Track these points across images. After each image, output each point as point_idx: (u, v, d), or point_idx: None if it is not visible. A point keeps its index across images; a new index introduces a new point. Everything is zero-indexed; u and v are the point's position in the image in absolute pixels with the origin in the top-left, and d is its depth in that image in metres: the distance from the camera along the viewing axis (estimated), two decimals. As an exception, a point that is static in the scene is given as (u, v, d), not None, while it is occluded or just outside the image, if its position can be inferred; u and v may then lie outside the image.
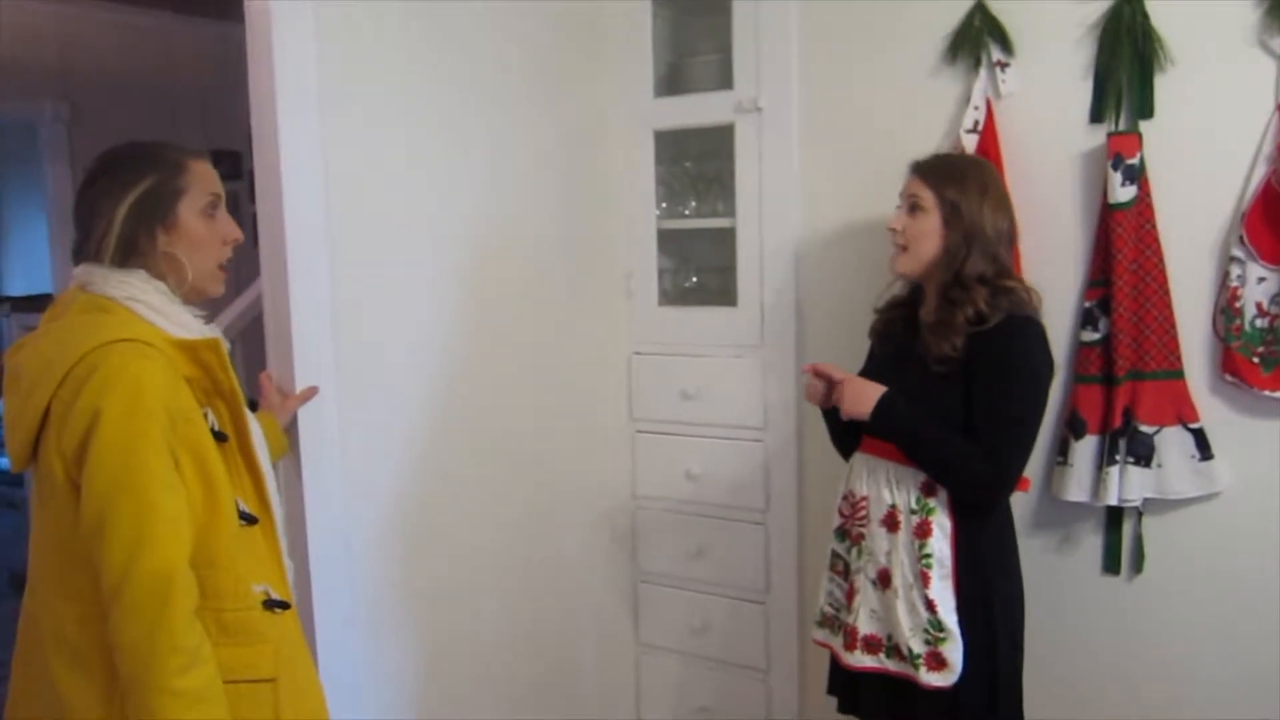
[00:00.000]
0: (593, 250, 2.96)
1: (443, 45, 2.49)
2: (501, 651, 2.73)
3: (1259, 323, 2.20)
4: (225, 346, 1.67)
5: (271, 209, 2.18)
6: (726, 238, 2.87)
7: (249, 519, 1.65)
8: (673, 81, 2.98)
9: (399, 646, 2.45)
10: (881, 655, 2.13)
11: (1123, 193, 2.24)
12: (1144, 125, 2.29)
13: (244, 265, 2.88)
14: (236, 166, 5.27)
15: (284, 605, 1.67)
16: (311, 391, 2.20)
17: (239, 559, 1.61)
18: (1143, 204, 2.26)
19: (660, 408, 3.00)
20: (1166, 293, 2.27)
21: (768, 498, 2.87)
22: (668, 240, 3.02)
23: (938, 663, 2.04)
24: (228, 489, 1.60)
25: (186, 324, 1.64)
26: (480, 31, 2.58)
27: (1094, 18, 2.32)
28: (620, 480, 3.08)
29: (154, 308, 1.61)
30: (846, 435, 2.28)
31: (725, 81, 2.80)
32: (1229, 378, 2.24)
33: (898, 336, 2.24)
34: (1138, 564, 2.36)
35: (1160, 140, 2.26)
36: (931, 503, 2.08)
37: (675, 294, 3.07)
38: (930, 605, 2.05)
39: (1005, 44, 2.42)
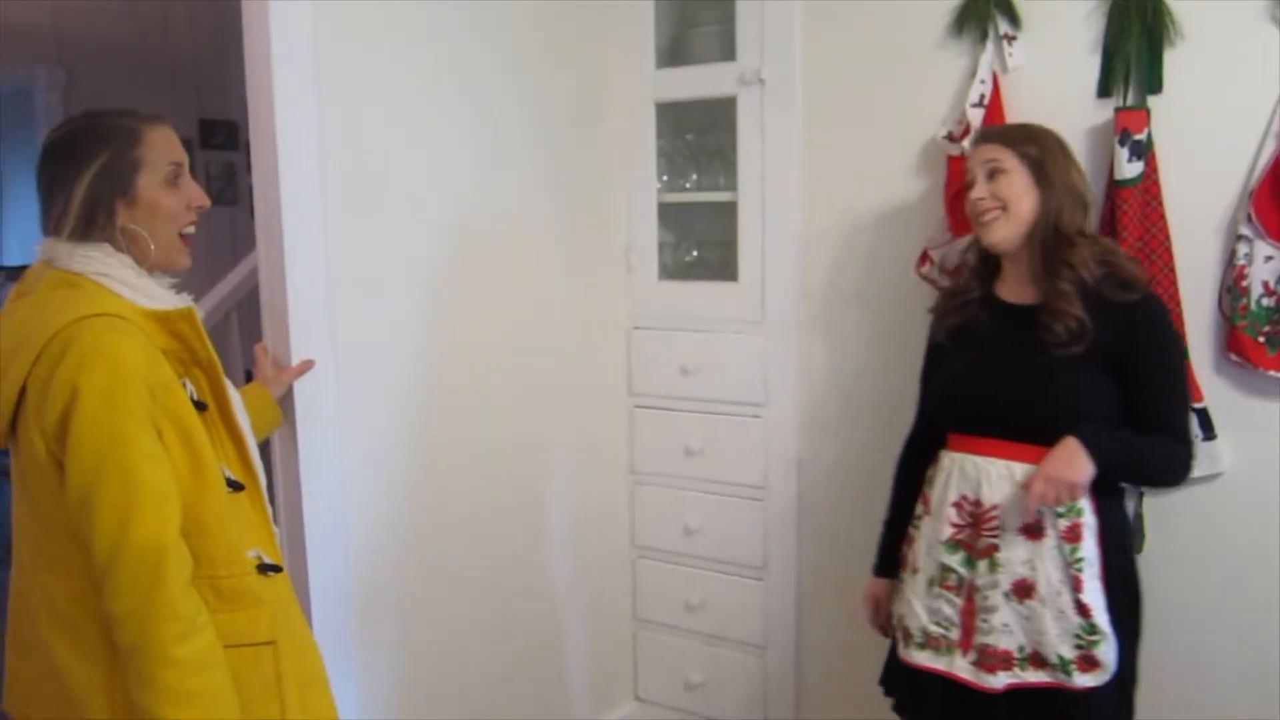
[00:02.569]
0: (593, 223, 2.93)
1: (443, 13, 2.45)
2: (497, 626, 2.72)
3: (1265, 301, 2.18)
4: (199, 315, 1.66)
5: (267, 179, 2.15)
6: (728, 212, 2.85)
7: (235, 485, 1.65)
8: (675, 52, 2.95)
9: (394, 618, 2.44)
10: (1016, 669, 1.97)
11: (1129, 169, 2.22)
12: (1152, 101, 2.26)
13: (241, 236, 2.86)
14: (233, 136, 5.24)
15: (276, 569, 1.67)
16: (307, 365, 2.18)
17: (229, 526, 1.60)
18: (1149, 180, 2.24)
19: (659, 383, 2.99)
20: (1172, 270, 2.25)
21: (766, 473, 2.85)
22: (668, 214, 3.00)
23: (1090, 664, 1.93)
24: (213, 457, 1.60)
25: (157, 295, 1.62)
26: (481, 3, 2.54)
27: (1103, -9, 2.29)
28: (618, 455, 3.07)
29: (123, 281, 1.59)
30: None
31: (728, 53, 2.77)
32: (1234, 357, 2.22)
33: (985, 326, 2.10)
34: (1138, 544, 2.35)
35: (1168, 116, 2.23)
36: (1078, 504, 1.94)
37: (675, 268, 3.05)
38: (1084, 610, 1.92)
39: (1013, 17, 2.39)
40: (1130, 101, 2.28)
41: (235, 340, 3.68)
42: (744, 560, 2.92)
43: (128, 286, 1.59)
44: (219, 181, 5.34)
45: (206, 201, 1.71)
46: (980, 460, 2.00)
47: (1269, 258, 2.16)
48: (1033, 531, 1.95)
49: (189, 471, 1.56)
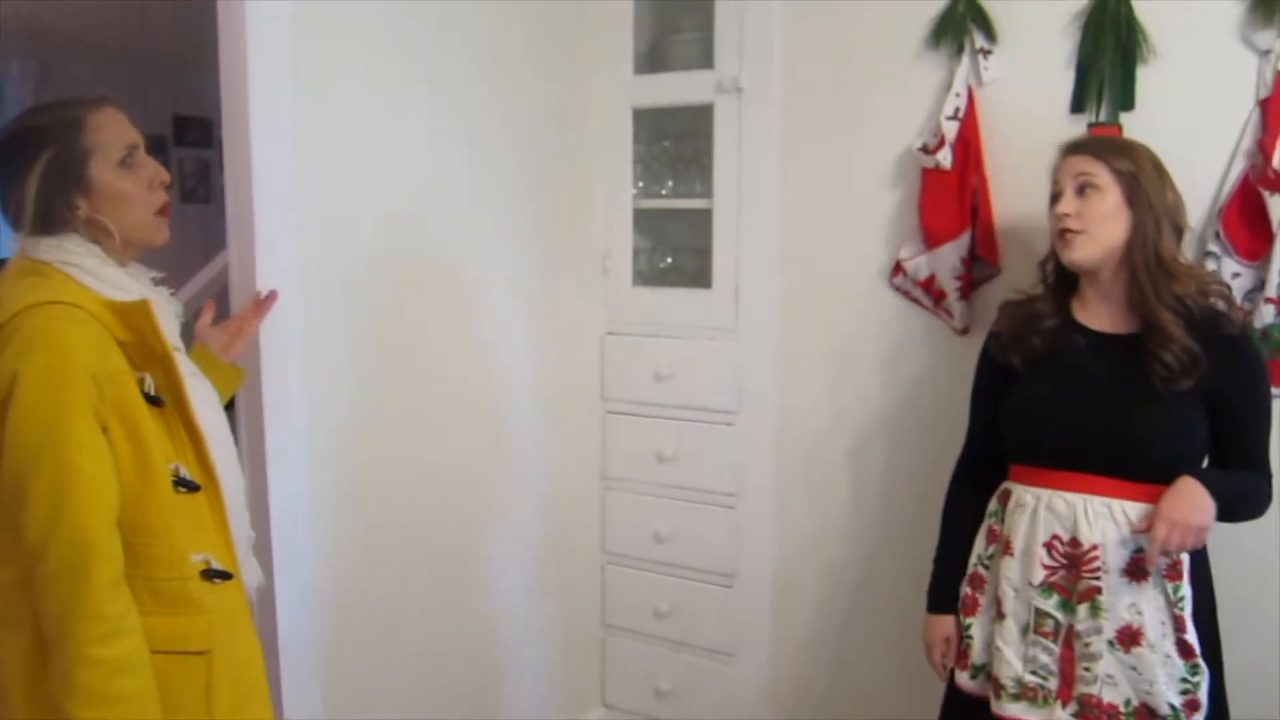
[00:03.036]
0: (568, 228, 2.93)
1: (421, 15, 2.44)
2: (465, 630, 2.71)
3: (1232, 317, 2.20)
4: (174, 310, 1.64)
5: (239, 178, 2.13)
6: (703, 219, 2.85)
7: (190, 485, 1.61)
8: (653, 59, 2.95)
9: (359, 623, 2.42)
10: None
11: (1102, 184, 2.23)
12: (1125, 117, 2.28)
13: (213, 234, 2.83)
14: (207, 134, 5.20)
15: (225, 576, 1.63)
16: (268, 300, 2.10)
17: (175, 527, 1.57)
18: (1121, 196, 2.25)
19: (632, 389, 2.98)
20: (1142, 286, 2.26)
21: (738, 481, 2.86)
22: (644, 220, 3.00)
23: (1194, 708, 1.85)
24: (161, 455, 1.56)
25: (122, 285, 1.60)
26: (459, 5, 2.53)
27: (1078, 7, 2.31)
28: (590, 460, 3.06)
29: (88, 270, 1.58)
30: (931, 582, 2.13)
31: (706, 60, 2.77)
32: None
33: (1074, 353, 1.98)
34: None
35: (1140, 132, 2.23)
36: None
37: (650, 274, 3.05)
38: (1188, 650, 1.84)
39: (989, 31, 2.40)
40: (1103, 117, 2.29)
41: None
42: (714, 567, 2.92)
43: (92, 276, 1.58)
44: (192, 179, 5.30)
45: (166, 176, 1.68)
46: (1073, 497, 1.89)
47: (1236, 274, 2.18)
48: (1136, 573, 1.85)
49: (133, 468, 1.53)
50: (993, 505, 2.07)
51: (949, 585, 2.12)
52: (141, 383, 1.57)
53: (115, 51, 4.88)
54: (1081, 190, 1.93)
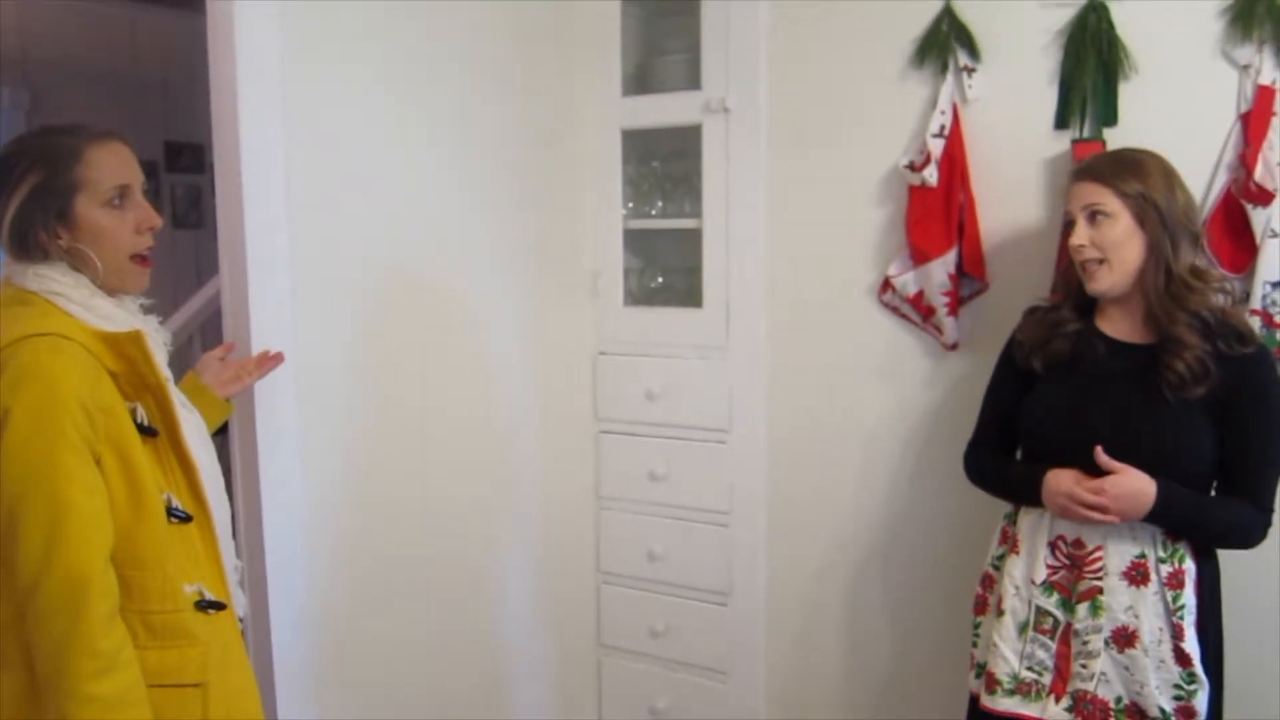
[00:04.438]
0: (559, 249, 2.94)
1: (410, 38, 2.46)
2: (460, 650, 2.71)
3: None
4: (163, 339, 1.63)
5: (230, 203, 2.14)
6: (693, 238, 2.86)
7: (182, 517, 1.60)
8: (641, 80, 2.97)
9: (354, 644, 2.42)
10: None
11: (1086, 199, 2.25)
12: (1108, 133, 2.30)
13: (205, 259, 2.85)
14: (199, 159, 5.21)
15: (218, 606, 1.63)
16: (274, 360, 2.10)
17: (168, 558, 1.56)
18: (1106, 211, 2.27)
19: (625, 408, 2.99)
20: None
21: (731, 499, 2.86)
22: (634, 240, 3.01)
23: (1188, 715, 1.89)
24: (154, 486, 1.56)
25: (110, 315, 1.59)
26: (448, 27, 2.55)
27: (1060, 25, 2.33)
28: (583, 480, 3.06)
29: (75, 300, 1.56)
30: (1025, 490, 2.04)
31: (694, 81, 2.80)
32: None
33: (1094, 360, 2.02)
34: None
35: (1124, 146, 2.27)
36: (1180, 548, 1.91)
37: (641, 294, 3.06)
38: (1184, 659, 1.88)
39: (972, 49, 2.43)
40: (1086, 133, 2.32)
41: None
42: (708, 586, 2.92)
43: (80, 306, 1.56)
44: (184, 204, 5.30)
45: (158, 221, 1.67)
46: None
47: (1229, 293, 2.19)
48: (1136, 577, 1.91)
49: (126, 499, 1.52)
50: (1008, 508, 2.12)
51: (1026, 466, 2.07)
52: (133, 413, 1.56)
53: (107, 78, 4.89)
54: (1092, 219, 1.96)
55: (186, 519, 1.61)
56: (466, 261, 2.66)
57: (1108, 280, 1.97)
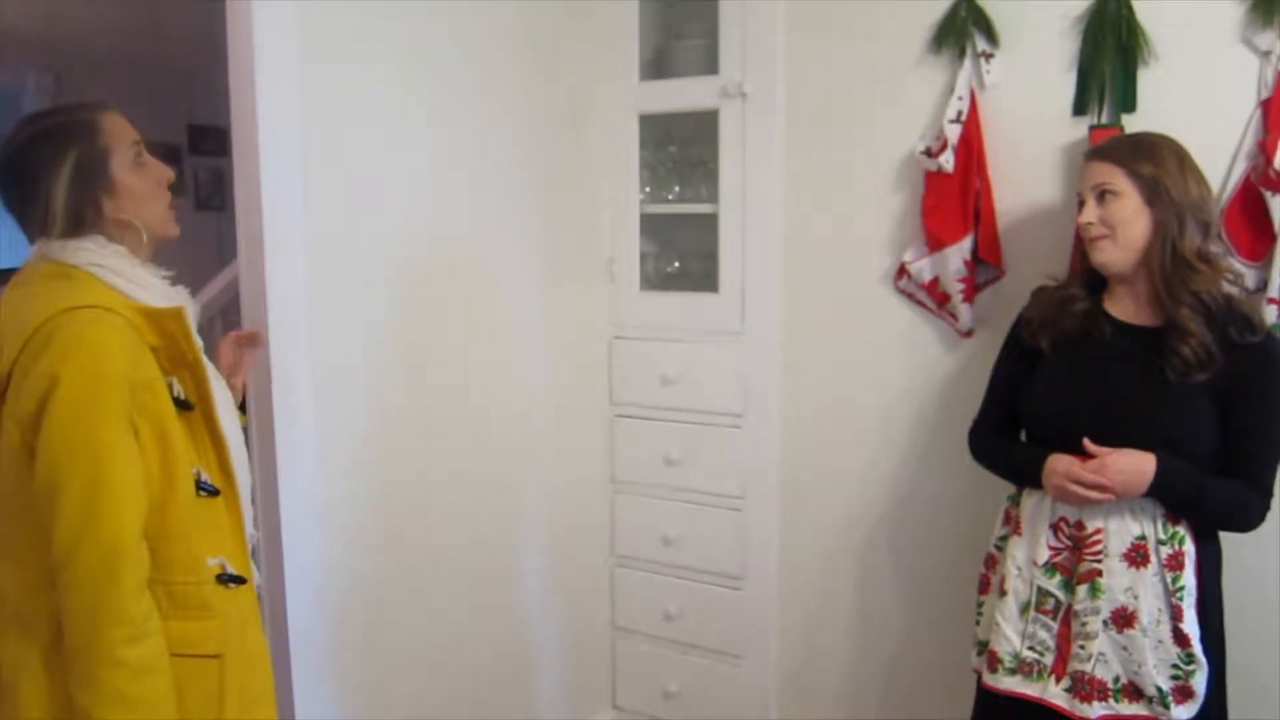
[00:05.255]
0: (576, 233, 2.95)
1: (428, 23, 2.47)
2: (475, 632, 2.73)
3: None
4: (192, 313, 1.64)
5: (249, 186, 2.16)
6: (709, 223, 2.87)
7: (211, 490, 1.62)
8: (659, 65, 2.97)
9: (368, 623, 2.45)
10: (1111, 700, 1.94)
11: (1104, 186, 2.24)
12: (1126, 119, 2.29)
13: (227, 242, 2.87)
14: (221, 142, 5.24)
15: (239, 580, 1.65)
16: (250, 338, 2.07)
17: (194, 531, 1.59)
18: (1123, 198, 2.26)
19: (640, 393, 3.00)
20: (1144, 287, 2.27)
21: (745, 483, 2.87)
22: (650, 225, 3.02)
23: (1186, 695, 1.90)
24: (185, 460, 1.58)
25: (152, 287, 1.62)
26: (465, 13, 2.56)
27: (1079, 10, 2.32)
28: (598, 464, 3.08)
29: (117, 272, 1.59)
30: (1026, 470, 2.05)
31: (711, 66, 2.79)
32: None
33: (1101, 342, 2.03)
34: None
35: (1140, 131, 2.26)
36: (1180, 530, 1.92)
37: (657, 279, 3.07)
38: (1183, 639, 1.90)
39: (990, 35, 2.42)
40: (1104, 119, 2.30)
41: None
42: (722, 570, 2.93)
43: (121, 278, 1.59)
44: (207, 187, 5.35)
45: (172, 174, 1.71)
46: None
47: (1239, 275, 2.18)
48: (1136, 559, 1.92)
49: (159, 472, 1.54)
50: (1012, 490, 2.13)
51: (1030, 449, 2.07)
52: (170, 387, 1.58)
53: (130, 62, 4.92)
54: (1101, 198, 1.98)
55: (215, 493, 1.63)
56: (483, 245, 2.67)
57: (1111, 253, 1.98)
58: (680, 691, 3.04)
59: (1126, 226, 1.96)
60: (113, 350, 1.49)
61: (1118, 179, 1.96)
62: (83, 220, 1.60)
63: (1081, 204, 2.03)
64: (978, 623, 2.18)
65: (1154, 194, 1.94)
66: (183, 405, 1.60)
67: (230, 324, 3.45)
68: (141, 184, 1.64)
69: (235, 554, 1.67)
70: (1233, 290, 2.00)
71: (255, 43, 2.10)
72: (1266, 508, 1.97)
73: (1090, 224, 1.98)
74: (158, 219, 1.67)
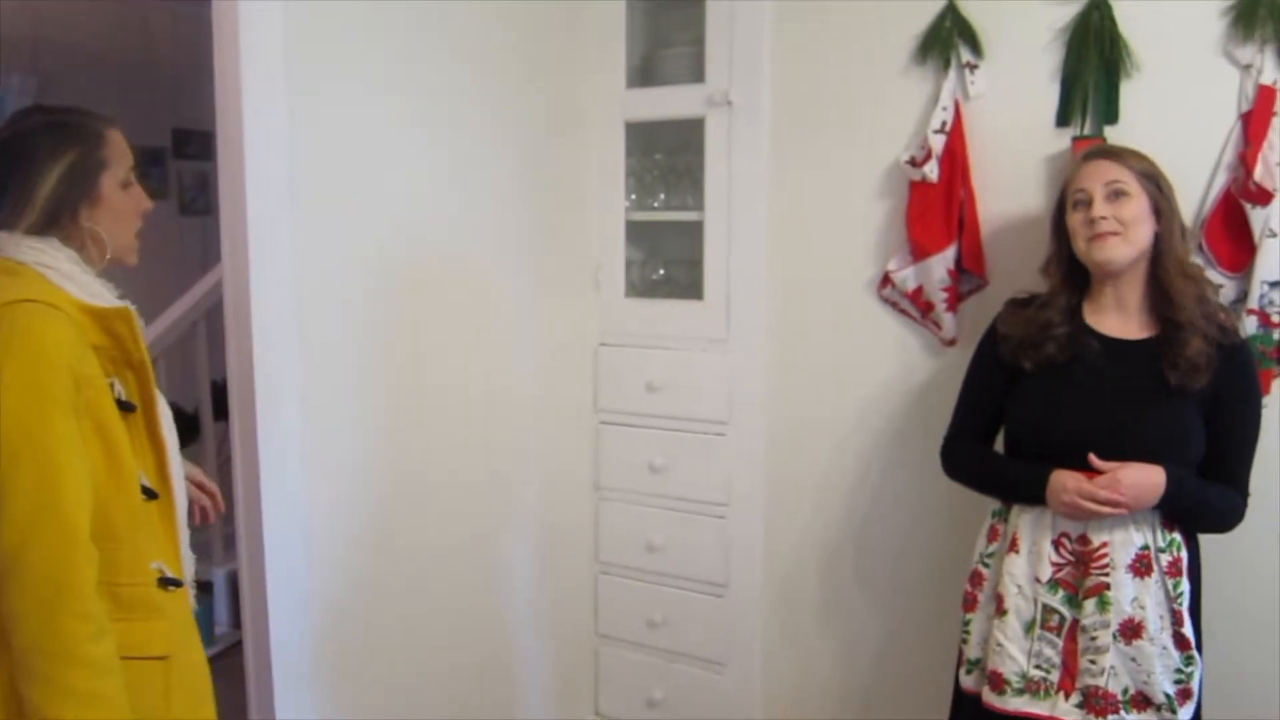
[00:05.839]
0: (562, 240, 2.95)
1: (415, 27, 2.47)
2: (457, 638, 2.72)
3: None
4: (137, 318, 1.63)
5: (233, 190, 2.15)
6: (695, 231, 2.87)
7: (150, 493, 1.61)
8: (645, 73, 2.98)
9: (350, 633, 2.43)
10: (1121, 712, 1.94)
11: (1086, 197, 2.26)
12: (1109, 130, 2.31)
13: (212, 246, 2.86)
14: (206, 146, 5.23)
15: (177, 583, 1.63)
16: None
17: (139, 533, 1.57)
18: (1105, 209, 2.28)
19: (625, 400, 3.00)
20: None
21: (729, 491, 2.87)
22: (636, 232, 3.02)
23: (1187, 696, 1.93)
24: (132, 461, 1.57)
25: (96, 293, 1.60)
26: (453, 18, 2.56)
27: (1063, 22, 2.33)
28: (583, 471, 3.08)
29: (67, 275, 1.57)
30: (1022, 487, 2.04)
31: (698, 74, 2.80)
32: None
33: (1090, 359, 2.03)
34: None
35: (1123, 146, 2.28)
36: (1175, 537, 1.95)
37: (642, 286, 3.07)
38: (1184, 643, 1.93)
39: (975, 46, 2.43)
40: (1087, 131, 2.32)
41: (202, 349, 3.68)
42: (706, 577, 2.94)
43: (69, 280, 1.57)
44: (191, 191, 5.33)
45: (151, 204, 1.71)
46: None
47: (1219, 286, 2.20)
48: (1141, 569, 1.93)
49: (104, 470, 1.52)
50: (996, 505, 2.13)
51: (1024, 465, 2.04)
52: (112, 387, 1.56)
53: (116, 64, 4.90)
54: (1113, 196, 1.99)
55: (154, 496, 1.62)
56: (469, 251, 2.67)
57: (1119, 250, 1.98)
58: (664, 699, 3.04)
59: (1138, 225, 1.98)
60: (58, 342, 1.48)
61: (1129, 179, 1.99)
62: (56, 220, 1.58)
63: (1075, 205, 2.03)
64: (965, 640, 2.14)
65: (1158, 198, 2.00)
66: (126, 407, 1.58)
67: (214, 329, 3.44)
68: (123, 204, 1.64)
69: (171, 558, 1.65)
70: (1208, 296, 2.03)
71: (241, 46, 2.09)
72: (1246, 507, 2.02)
73: (1104, 219, 1.98)
74: (125, 242, 1.66)
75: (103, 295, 1.61)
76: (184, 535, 1.72)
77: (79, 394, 1.49)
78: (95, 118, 1.65)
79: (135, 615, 1.55)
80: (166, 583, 1.61)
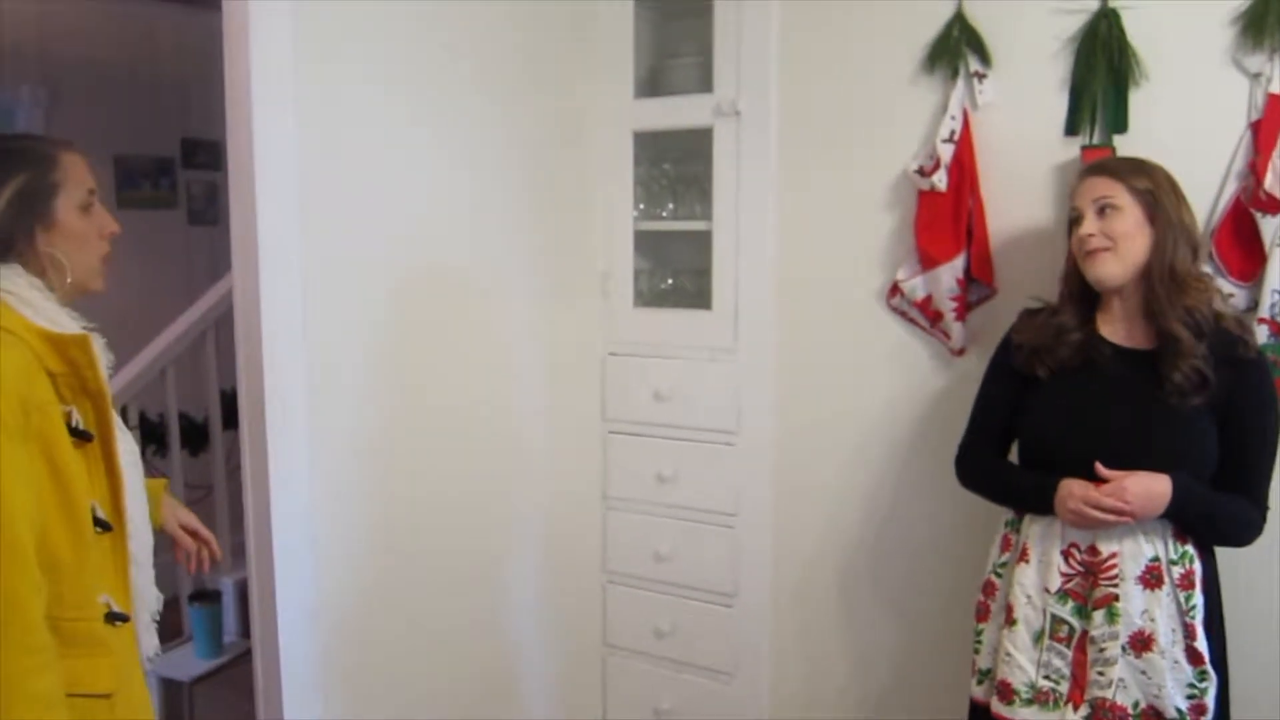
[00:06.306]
0: (570, 249, 2.96)
1: (424, 38, 2.48)
2: (465, 647, 2.72)
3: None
4: (97, 345, 1.60)
5: (243, 200, 2.16)
6: (703, 240, 2.87)
7: (103, 525, 1.56)
8: (653, 83, 2.98)
9: (358, 642, 2.43)
10: None
11: (1095, 206, 2.25)
12: (1118, 139, 2.30)
13: (221, 256, 2.87)
14: (215, 156, 5.24)
15: (123, 619, 1.59)
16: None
17: (86, 566, 1.52)
18: (1115, 218, 2.28)
19: (633, 409, 3.00)
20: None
21: (737, 500, 2.87)
22: (645, 242, 3.03)
23: (1200, 712, 1.90)
24: (84, 491, 1.53)
25: (56, 319, 1.57)
26: (462, 27, 2.57)
27: (1071, 31, 2.33)
28: (591, 480, 3.08)
29: (26, 302, 1.54)
30: (1032, 496, 2.04)
31: (705, 84, 2.81)
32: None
33: (1100, 367, 2.03)
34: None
35: (1133, 155, 2.27)
36: (1188, 549, 1.94)
37: (651, 295, 3.07)
38: (1197, 658, 1.90)
39: (983, 55, 2.43)
40: (1096, 140, 2.32)
41: (211, 360, 3.68)
42: (714, 587, 2.93)
43: (28, 306, 1.54)
44: (200, 201, 5.33)
45: (117, 228, 1.69)
46: None
47: (1230, 295, 2.20)
48: (1151, 581, 1.92)
49: (52, 500, 1.48)
50: (1009, 515, 2.12)
51: (1034, 474, 2.05)
52: (68, 416, 1.53)
53: (125, 75, 4.92)
54: (1102, 211, 1.99)
55: (107, 529, 1.58)
56: (477, 261, 2.67)
57: (1111, 266, 1.98)
58: (671, 709, 3.03)
59: (1128, 239, 1.97)
60: (5, 367, 1.45)
61: (1119, 193, 1.98)
62: (11, 246, 1.56)
63: (1073, 222, 2.05)
64: (976, 650, 2.14)
65: (1153, 210, 1.97)
66: (81, 435, 1.55)
67: (224, 339, 3.45)
68: (82, 228, 1.62)
69: (119, 592, 1.61)
70: (1223, 309, 2.02)
71: (250, 57, 2.10)
72: (1264, 521, 1.99)
73: (1091, 236, 1.98)
74: (87, 267, 1.63)
75: (63, 322, 1.58)
76: (147, 572, 1.69)
77: (28, 420, 1.46)
78: (48, 142, 1.63)
79: (81, 651, 1.51)
80: (113, 618, 1.57)
